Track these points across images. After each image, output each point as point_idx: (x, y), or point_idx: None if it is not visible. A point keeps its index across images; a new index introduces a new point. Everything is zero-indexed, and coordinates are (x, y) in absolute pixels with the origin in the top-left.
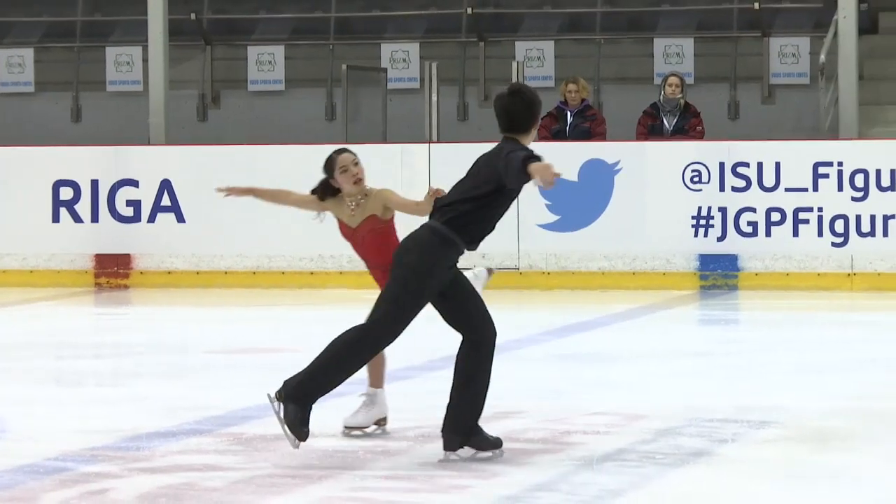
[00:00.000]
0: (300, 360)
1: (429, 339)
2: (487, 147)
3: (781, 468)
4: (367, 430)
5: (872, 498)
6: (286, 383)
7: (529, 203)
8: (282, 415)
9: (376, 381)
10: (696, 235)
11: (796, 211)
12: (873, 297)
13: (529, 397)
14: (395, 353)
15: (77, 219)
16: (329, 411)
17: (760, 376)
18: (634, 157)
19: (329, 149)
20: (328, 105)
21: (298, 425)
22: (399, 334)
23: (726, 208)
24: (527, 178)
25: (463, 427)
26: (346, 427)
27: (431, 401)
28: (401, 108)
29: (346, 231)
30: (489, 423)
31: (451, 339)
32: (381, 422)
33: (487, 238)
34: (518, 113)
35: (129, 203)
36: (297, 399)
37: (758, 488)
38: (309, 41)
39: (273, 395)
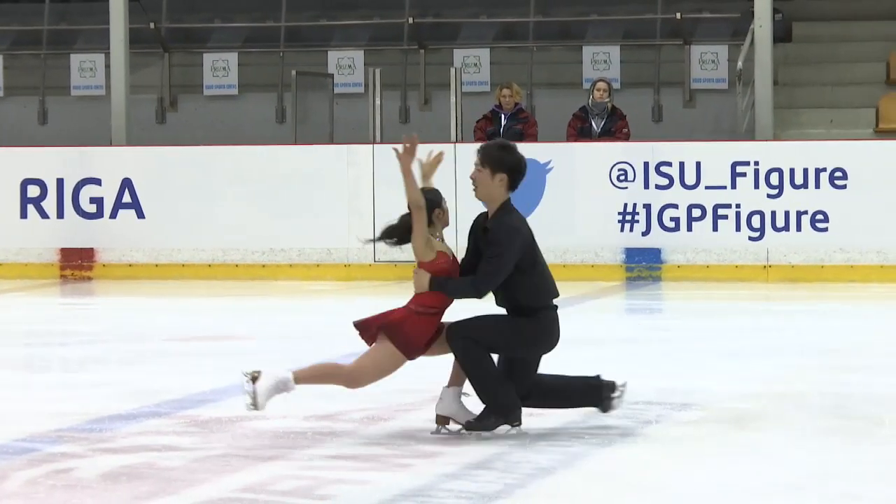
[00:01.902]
0: (253, 347)
1: None
2: (428, 148)
3: (701, 446)
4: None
5: (784, 471)
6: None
7: (467, 200)
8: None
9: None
10: (622, 230)
11: (716, 207)
12: (787, 288)
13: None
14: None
15: (43, 215)
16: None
17: (682, 361)
18: (565, 157)
19: (279, 150)
20: (279, 108)
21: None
22: None
23: (650, 205)
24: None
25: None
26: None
27: (376, 386)
28: (346, 112)
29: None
30: (430, 406)
31: None
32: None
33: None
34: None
35: (92, 200)
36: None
37: (679, 465)
38: (261, 49)
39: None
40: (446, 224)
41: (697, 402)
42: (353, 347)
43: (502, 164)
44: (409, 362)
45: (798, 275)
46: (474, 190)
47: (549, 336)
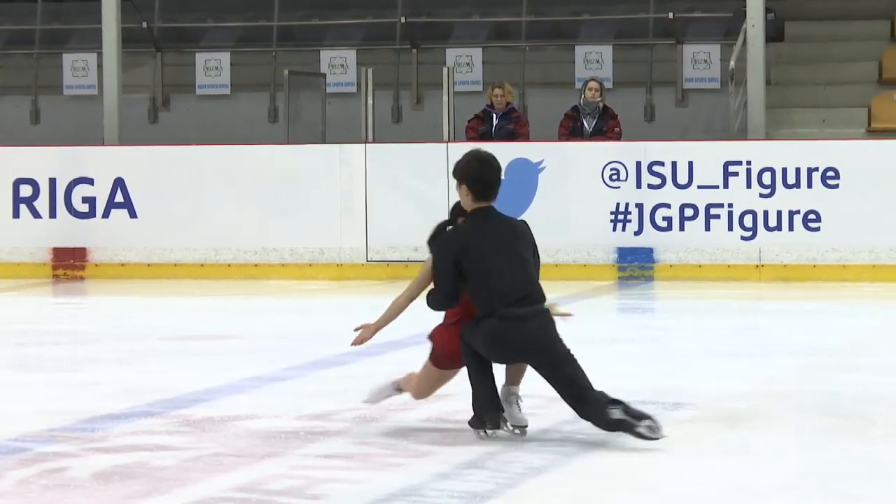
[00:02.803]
0: (245, 346)
1: None
2: (422, 147)
3: (693, 445)
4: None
5: (777, 470)
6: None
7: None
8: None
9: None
10: (614, 230)
11: (708, 207)
12: (779, 288)
13: (459, 381)
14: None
15: (36, 215)
16: (273, 396)
17: (674, 361)
18: (557, 157)
19: (272, 149)
20: (271, 108)
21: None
22: None
23: (643, 204)
24: None
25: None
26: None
27: (368, 385)
28: (339, 111)
29: None
30: (422, 406)
31: (390, 326)
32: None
33: (421, 230)
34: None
35: (84, 200)
36: None
37: (671, 464)
38: (253, 48)
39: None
40: None
41: (690, 401)
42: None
43: (458, 174)
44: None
45: (790, 274)
46: None
47: (497, 342)
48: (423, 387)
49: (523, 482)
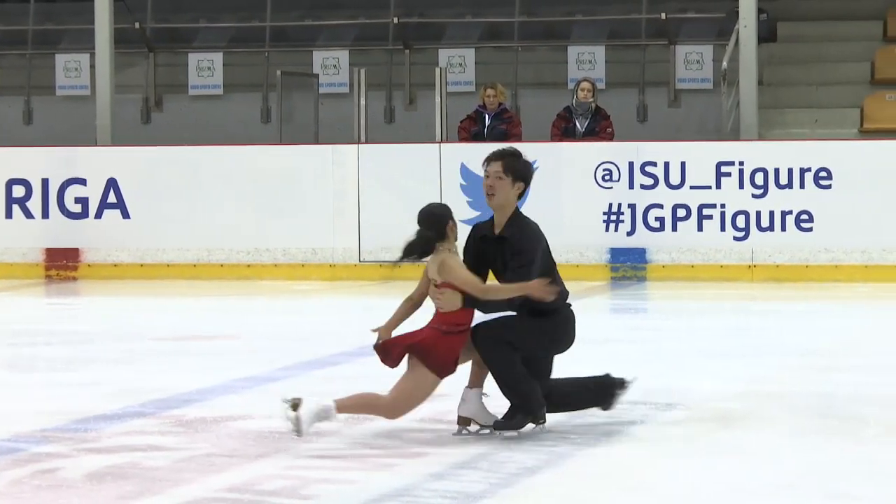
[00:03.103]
0: (238, 347)
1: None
2: (414, 148)
3: (686, 446)
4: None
5: (770, 470)
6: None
7: (451, 199)
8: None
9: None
10: (607, 230)
11: (700, 207)
12: (772, 288)
13: (453, 382)
14: (331, 342)
15: (29, 215)
16: (266, 396)
17: (667, 361)
18: (550, 157)
19: (265, 149)
20: (264, 108)
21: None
22: None
23: (635, 205)
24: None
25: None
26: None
27: (361, 385)
28: (332, 112)
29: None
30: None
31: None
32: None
33: (411, 232)
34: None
35: (77, 200)
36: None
37: (664, 464)
38: (246, 49)
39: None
40: (457, 237)
41: (682, 401)
42: (339, 347)
43: (523, 175)
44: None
45: (783, 274)
46: (490, 196)
47: (567, 334)
48: (410, 403)
49: (516, 482)
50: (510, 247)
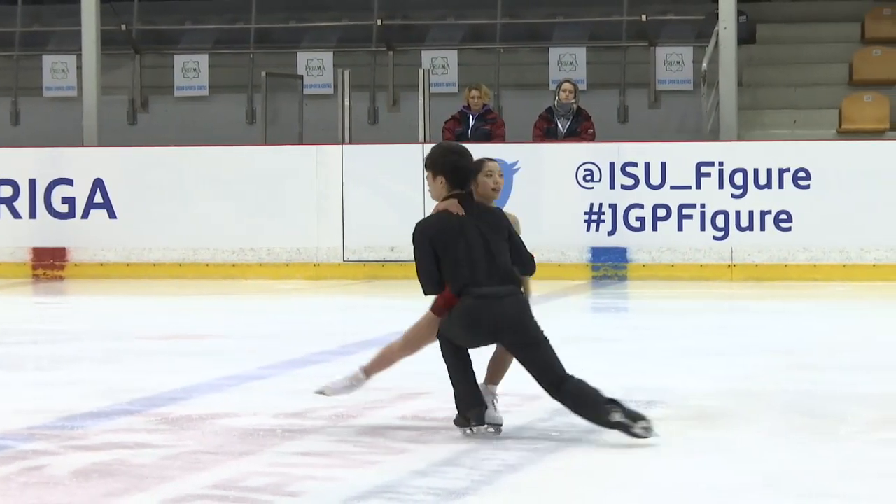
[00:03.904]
0: (223, 345)
1: (343, 325)
2: (398, 148)
3: (666, 444)
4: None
5: (749, 468)
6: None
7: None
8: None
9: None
10: (588, 230)
11: (681, 207)
12: (751, 287)
13: (435, 380)
14: (315, 340)
15: (16, 215)
16: (250, 394)
17: (647, 359)
18: (531, 158)
19: (250, 150)
20: (249, 109)
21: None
22: None
23: (616, 205)
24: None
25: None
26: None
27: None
28: (316, 112)
29: None
30: (398, 404)
31: (364, 326)
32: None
33: (396, 230)
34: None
35: (64, 200)
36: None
37: (645, 462)
38: (231, 50)
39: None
40: (493, 189)
41: (663, 399)
42: (323, 346)
43: (439, 165)
44: None
45: (762, 274)
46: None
47: (472, 323)
48: (419, 335)
49: (499, 479)
50: None
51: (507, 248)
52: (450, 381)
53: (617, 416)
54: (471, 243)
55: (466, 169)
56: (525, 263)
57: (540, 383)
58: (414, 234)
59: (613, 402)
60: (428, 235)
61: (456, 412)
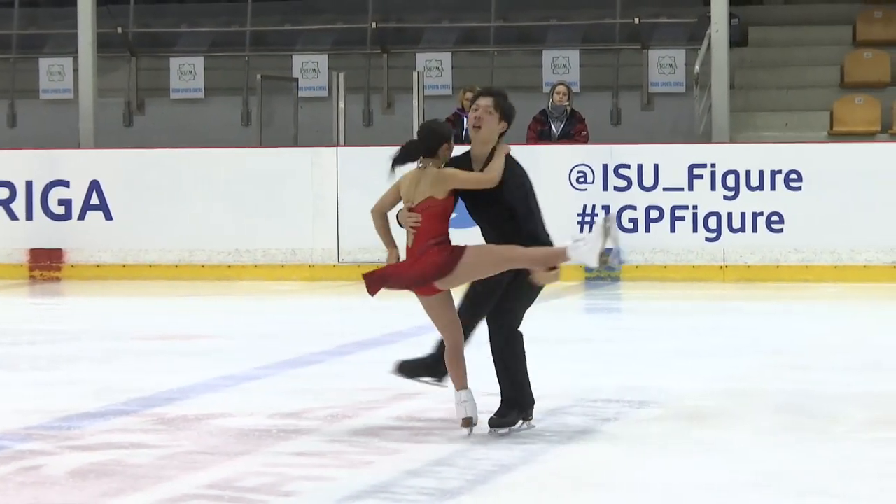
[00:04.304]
0: (219, 346)
1: (337, 325)
2: (391, 150)
3: (659, 444)
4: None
5: (742, 468)
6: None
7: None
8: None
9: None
10: (581, 231)
11: (673, 209)
12: (743, 288)
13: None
14: (309, 340)
15: (13, 216)
16: (246, 394)
17: (640, 360)
18: (525, 160)
19: (245, 152)
20: (244, 112)
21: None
22: None
23: (609, 206)
24: None
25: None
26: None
27: (340, 383)
28: (311, 115)
29: None
30: (393, 404)
31: (359, 326)
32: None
33: (392, 232)
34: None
35: (60, 202)
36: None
37: (638, 462)
38: (226, 53)
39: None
40: (447, 161)
41: (655, 399)
42: (318, 346)
43: (508, 116)
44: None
45: (754, 275)
46: (476, 129)
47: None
48: (446, 321)
49: (492, 479)
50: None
51: None
52: (512, 380)
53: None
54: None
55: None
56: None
57: (491, 317)
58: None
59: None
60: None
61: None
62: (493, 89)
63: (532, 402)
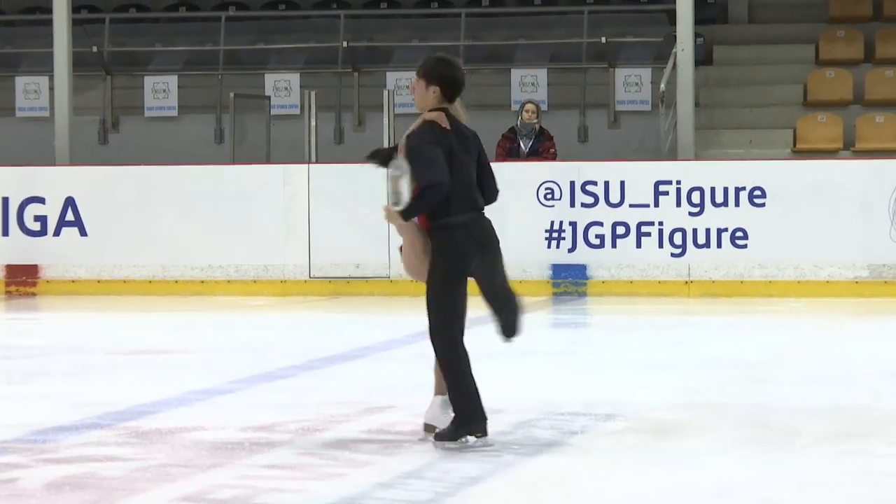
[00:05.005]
0: (192, 360)
1: (308, 340)
2: (362, 168)
3: (625, 455)
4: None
5: (705, 479)
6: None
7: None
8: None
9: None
10: (549, 247)
11: (639, 225)
12: (708, 303)
13: (401, 393)
14: (281, 355)
15: None
16: (218, 408)
17: (607, 374)
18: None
19: (218, 169)
20: (217, 129)
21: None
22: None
23: (576, 222)
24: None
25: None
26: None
27: (311, 397)
28: (283, 132)
29: None
30: (364, 418)
31: (329, 341)
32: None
33: (361, 247)
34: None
35: (36, 218)
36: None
37: (604, 473)
38: (200, 71)
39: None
40: None
41: (621, 412)
42: (290, 360)
43: (437, 75)
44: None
45: (718, 290)
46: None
47: (461, 246)
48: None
49: (460, 491)
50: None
51: (474, 171)
52: (450, 389)
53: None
54: (455, 164)
55: (461, 82)
56: (493, 187)
57: (493, 297)
58: (412, 141)
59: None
60: (431, 140)
61: (425, 423)
62: (426, 58)
63: (480, 418)
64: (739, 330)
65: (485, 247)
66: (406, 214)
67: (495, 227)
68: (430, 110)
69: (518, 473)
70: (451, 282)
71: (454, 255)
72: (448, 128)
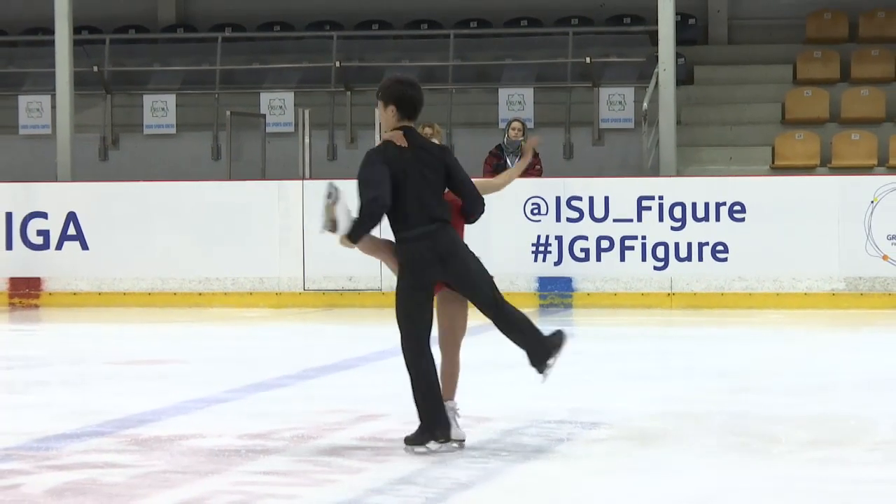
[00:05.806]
0: (190, 370)
1: (303, 350)
2: (355, 184)
3: (609, 463)
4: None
5: (687, 486)
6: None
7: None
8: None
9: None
10: (535, 260)
11: (623, 239)
12: (690, 315)
13: (392, 402)
14: (276, 365)
15: None
16: (216, 416)
17: (592, 383)
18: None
19: (214, 185)
20: (214, 147)
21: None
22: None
23: (562, 237)
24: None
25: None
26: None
27: (305, 406)
28: (278, 149)
29: None
30: (356, 426)
31: (323, 351)
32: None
33: (354, 261)
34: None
35: (39, 233)
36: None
37: (589, 480)
38: (197, 90)
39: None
40: None
41: (606, 421)
42: (284, 370)
43: (390, 95)
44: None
45: (700, 302)
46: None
47: (417, 263)
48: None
49: (450, 496)
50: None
51: (440, 188)
52: (413, 395)
53: (551, 365)
54: (411, 179)
55: (415, 99)
56: (473, 201)
57: (483, 308)
58: (365, 159)
59: (554, 347)
60: (380, 158)
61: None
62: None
63: (444, 423)
64: (720, 341)
65: (444, 257)
66: (351, 236)
67: (483, 241)
68: (393, 129)
69: (506, 479)
70: (414, 293)
71: (413, 266)
72: (405, 145)
